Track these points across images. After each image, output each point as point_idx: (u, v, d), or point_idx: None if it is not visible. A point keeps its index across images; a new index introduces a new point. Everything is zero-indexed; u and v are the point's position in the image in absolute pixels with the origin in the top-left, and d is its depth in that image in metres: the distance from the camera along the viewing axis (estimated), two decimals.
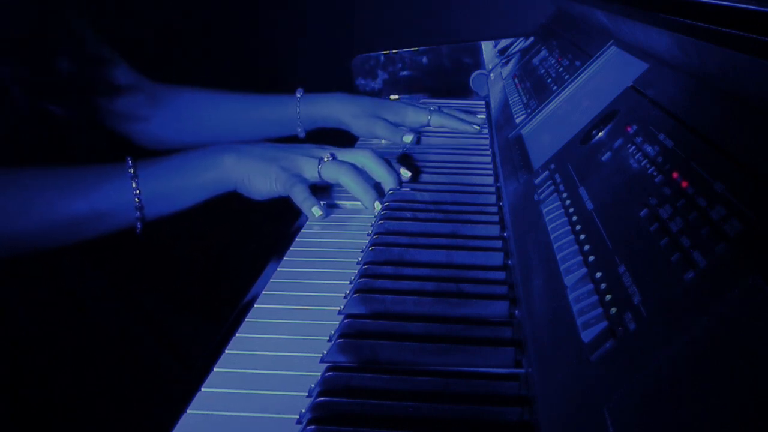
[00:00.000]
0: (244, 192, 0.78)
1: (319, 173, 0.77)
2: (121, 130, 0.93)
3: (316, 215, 0.75)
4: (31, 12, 0.75)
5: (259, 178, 0.76)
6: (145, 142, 0.95)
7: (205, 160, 0.76)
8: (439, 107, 1.07)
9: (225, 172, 0.76)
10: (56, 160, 0.77)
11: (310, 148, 0.80)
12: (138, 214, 0.72)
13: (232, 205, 0.79)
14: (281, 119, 0.99)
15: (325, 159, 0.77)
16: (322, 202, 0.76)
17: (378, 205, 0.76)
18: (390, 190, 0.79)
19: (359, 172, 0.77)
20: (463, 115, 1.07)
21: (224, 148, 0.78)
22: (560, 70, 0.92)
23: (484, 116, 1.11)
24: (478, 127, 1.04)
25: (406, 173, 0.82)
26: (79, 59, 0.80)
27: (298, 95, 0.99)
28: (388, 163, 0.81)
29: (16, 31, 0.73)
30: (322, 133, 1.00)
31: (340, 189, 0.81)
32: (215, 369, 0.50)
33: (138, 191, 0.72)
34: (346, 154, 0.79)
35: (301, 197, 0.75)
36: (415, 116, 1.03)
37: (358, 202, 0.78)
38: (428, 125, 1.04)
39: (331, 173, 0.76)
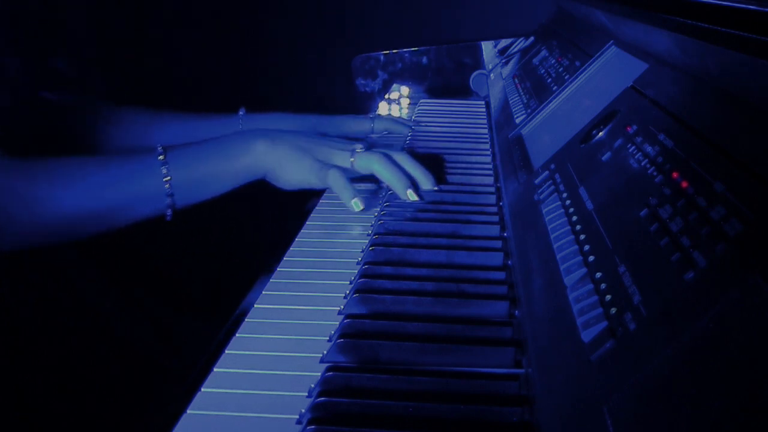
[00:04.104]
0: (272, 180, 0.77)
1: (352, 165, 0.77)
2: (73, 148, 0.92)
3: (356, 209, 0.74)
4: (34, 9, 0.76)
5: (291, 167, 0.75)
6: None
7: (236, 146, 0.76)
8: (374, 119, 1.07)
9: (256, 159, 0.75)
10: (52, 141, 0.78)
11: (341, 141, 0.81)
12: (168, 200, 0.72)
13: (232, 205, 0.79)
14: None
15: (358, 150, 0.77)
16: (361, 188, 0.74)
17: (412, 194, 0.76)
18: (390, 192, 0.79)
19: (393, 161, 0.77)
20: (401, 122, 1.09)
21: (256, 133, 0.77)
22: (560, 70, 0.92)
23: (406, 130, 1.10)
24: (410, 130, 1.06)
25: (434, 187, 0.80)
26: (75, 57, 0.81)
27: (241, 113, 0.99)
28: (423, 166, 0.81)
29: (17, 23, 0.73)
30: None
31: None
32: (215, 369, 0.50)
33: (168, 178, 0.72)
34: (380, 148, 0.79)
35: (339, 184, 0.74)
36: (357, 126, 1.03)
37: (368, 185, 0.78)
38: (372, 132, 1.05)
39: (365, 162, 0.76)
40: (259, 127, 0.98)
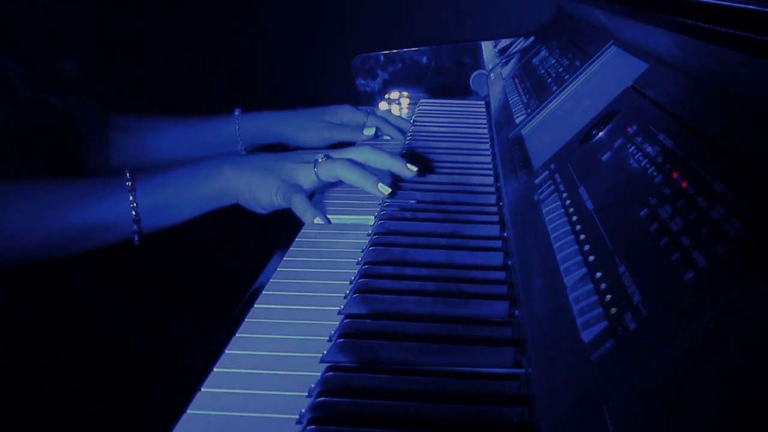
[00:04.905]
0: (246, 205, 0.77)
1: (316, 175, 0.76)
2: (77, 151, 0.92)
3: (323, 223, 0.75)
4: (36, 11, 0.76)
5: (261, 190, 0.75)
6: (95, 164, 0.93)
7: (204, 172, 0.76)
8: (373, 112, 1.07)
9: (225, 185, 0.75)
10: (53, 146, 0.78)
11: (304, 153, 0.80)
12: (135, 227, 0.72)
13: (232, 207, 0.79)
14: (223, 138, 1.00)
15: (320, 160, 0.76)
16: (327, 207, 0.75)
17: (384, 188, 0.75)
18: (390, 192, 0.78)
19: (356, 163, 0.76)
20: (393, 118, 1.08)
21: (224, 160, 0.77)
22: (560, 70, 0.92)
23: (408, 126, 1.10)
24: (401, 136, 1.05)
25: (413, 168, 0.79)
26: (78, 59, 0.81)
27: (236, 113, 0.99)
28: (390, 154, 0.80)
29: (20, 27, 0.73)
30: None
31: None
32: (215, 369, 0.50)
33: (135, 204, 0.72)
34: (343, 153, 0.79)
35: (301, 208, 0.74)
36: (352, 116, 1.03)
37: (353, 217, 0.78)
38: (365, 125, 1.05)
39: (328, 171, 0.76)
40: (252, 129, 0.98)
